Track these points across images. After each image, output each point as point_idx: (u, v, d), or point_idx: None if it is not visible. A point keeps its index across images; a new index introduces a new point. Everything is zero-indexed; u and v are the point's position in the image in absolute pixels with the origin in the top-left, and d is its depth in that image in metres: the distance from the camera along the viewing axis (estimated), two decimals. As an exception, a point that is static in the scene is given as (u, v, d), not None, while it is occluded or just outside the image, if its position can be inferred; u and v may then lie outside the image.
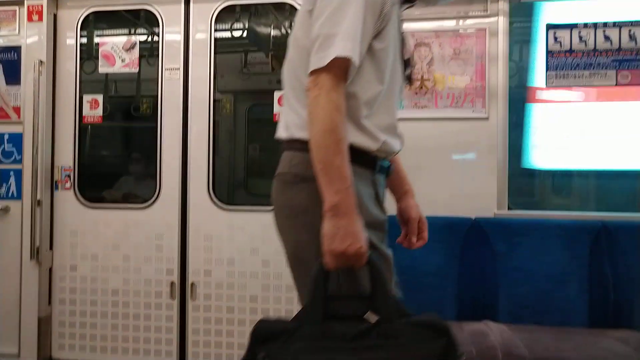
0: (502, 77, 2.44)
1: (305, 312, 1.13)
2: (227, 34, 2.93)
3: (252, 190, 3.02)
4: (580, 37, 2.37)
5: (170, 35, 2.80)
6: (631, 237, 2.11)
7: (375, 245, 1.20)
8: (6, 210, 2.80)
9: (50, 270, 2.87)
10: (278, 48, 3.19)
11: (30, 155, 2.73)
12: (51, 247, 2.86)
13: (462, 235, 2.25)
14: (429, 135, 2.50)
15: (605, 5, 2.44)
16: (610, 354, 1.71)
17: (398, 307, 1.13)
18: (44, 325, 2.83)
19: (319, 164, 1.13)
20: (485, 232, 2.20)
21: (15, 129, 2.79)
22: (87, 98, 2.85)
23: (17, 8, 2.83)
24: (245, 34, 3.02)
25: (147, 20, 2.96)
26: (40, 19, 2.79)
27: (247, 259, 2.69)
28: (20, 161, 2.78)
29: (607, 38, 2.34)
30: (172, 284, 2.76)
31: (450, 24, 2.53)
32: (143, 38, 2.96)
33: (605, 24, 2.34)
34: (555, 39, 2.41)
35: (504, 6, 2.44)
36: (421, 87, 2.49)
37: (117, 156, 3.45)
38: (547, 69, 2.41)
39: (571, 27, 2.38)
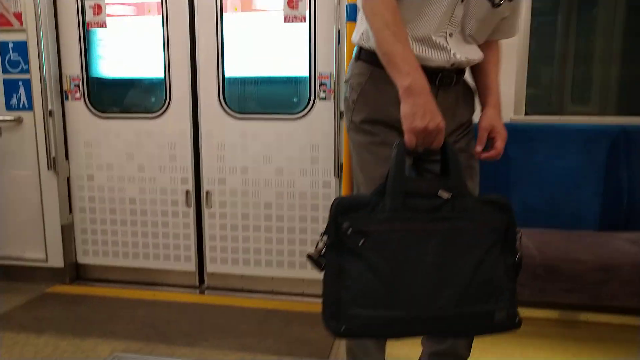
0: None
1: (386, 187, 1.22)
2: None
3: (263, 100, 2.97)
4: None
5: None
6: (651, 142, 2.08)
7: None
8: (19, 121, 2.80)
9: (68, 180, 2.93)
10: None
11: (37, 65, 2.69)
12: (67, 158, 2.90)
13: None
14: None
15: None
16: (619, 254, 1.73)
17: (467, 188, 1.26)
18: (67, 232, 2.94)
19: (384, 57, 1.27)
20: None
21: (18, 37, 2.71)
22: (89, 3, 2.74)
23: None
24: None
25: None
26: None
27: (261, 167, 2.71)
28: (27, 71, 2.74)
29: None
30: (187, 192, 2.81)
31: None
32: None
33: None
34: None
35: None
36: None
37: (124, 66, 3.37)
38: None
39: None
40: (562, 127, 2.16)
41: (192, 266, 2.90)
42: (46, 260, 2.95)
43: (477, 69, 1.48)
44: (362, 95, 1.41)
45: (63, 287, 2.92)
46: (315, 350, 2.14)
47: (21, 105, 2.78)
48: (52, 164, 2.81)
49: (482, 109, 1.47)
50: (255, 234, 2.78)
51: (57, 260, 2.95)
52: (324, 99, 2.57)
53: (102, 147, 2.87)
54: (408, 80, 1.21)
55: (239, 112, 2.71)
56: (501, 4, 1.33)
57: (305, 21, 2.56)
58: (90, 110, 2.83)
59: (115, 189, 2.89)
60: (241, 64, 2.77)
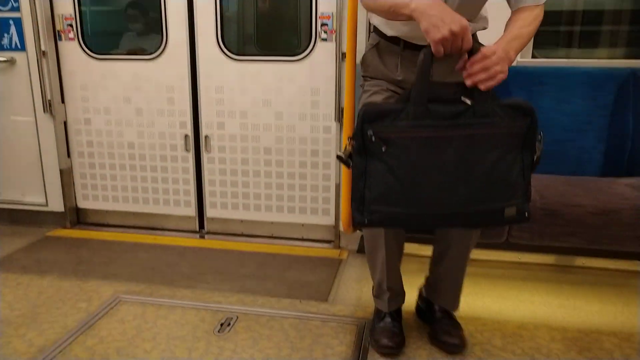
0: None
1: (410, 95, 1.29)
2: None
3: (261, 42, 2.88)
4: None
5: None
6: (660, 85, 2.03)
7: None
8: (12, 62, 2.73)
9: (65, 124, 2.89)
10: None
11: (27, 1, 2.59)
12: (63, 101, 2.85)
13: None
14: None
15: None
16: (620, 198, 1.73)
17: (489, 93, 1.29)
18: (66, 176, 2.93)
19: (389, 15, 1.43)
20: (506, 81, 2.11)
21: (6, -29, 2.61)
22: None
23: None
24: None
25: None
26: None
27: (260, 111, 2.66)
28: (17, 9, 2.64)
29: None
30: (186, 136, 2.78)
31: None
32: None
33: None
34: None
35: None
36: None
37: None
38: None
39: None
40: (569, 70, 2.11)
41: (192, 211, 2.90)
42: (46, 204, 2.96)
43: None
44: (368, 57, 1.67)
45: (64, 231, 2.94)
46: (314, 292, 2.18)
47: (13, 45, 2.70)
48: (47, 107, 2.76)
49: None
50: (254, 179, 2.77)
51: (57, 204, 2.96)
52: (325, 39, 2.49)
53: (99, 90, 2.81)
54: (412, 5, 1.28)
55: (238, 54, 2.64)
56: None
57: (306, -42, 2.45)
58: (85, 51, 2.75)
59: (113, 133, 2.86)
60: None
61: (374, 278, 1.74)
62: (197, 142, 2.79)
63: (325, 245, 2.73)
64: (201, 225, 2.93)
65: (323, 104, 2.58)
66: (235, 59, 2.62)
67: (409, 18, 1.31)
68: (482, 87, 1.26)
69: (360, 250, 2.57)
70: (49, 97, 2.75)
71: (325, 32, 2.47)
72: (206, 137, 2.76)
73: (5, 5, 2.64)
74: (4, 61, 2.72)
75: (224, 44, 2.61)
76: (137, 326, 1.86)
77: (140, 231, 2.94)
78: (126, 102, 2.79)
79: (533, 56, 2.26)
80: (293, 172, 2.71)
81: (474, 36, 1.54)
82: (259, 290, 2.20)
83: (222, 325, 1.87)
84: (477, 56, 1.27)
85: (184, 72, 2.69)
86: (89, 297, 2.08)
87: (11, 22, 2.67)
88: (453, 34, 1.21)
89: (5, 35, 2.69)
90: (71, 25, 2.71)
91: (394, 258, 1.66)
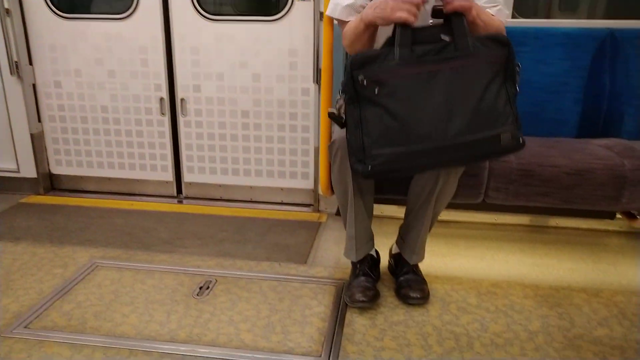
0: None
1: (394, 39, 1.38)
2: None
3: (238, 1, 2.79)
4: None
5: None
6: (637, 46, 2.02)
7: None
8: (-26, 20, 2.60)
9: (35, 87, 2.78)
10: None
11: (-12, -45, 2.46)
12: (30, 63, 2.74)
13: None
14: None
15: None
16: (593, 158, 1.74)
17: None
18: (37, 141, 2.85)
19: (357, 40, 1.53)
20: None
21: None
22: None
23: None
24: None
25: None
26: None
27: (237, 73, 2.60)
28: (-23, -37, 2.50)
29: None
30: (161, 99, 2.71)
31: None
32: None
33: None
34: None
35: None
36: None
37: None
38: None
39: None
40: (548, 31, 2.09)
41: (169, 176, 2.86)
42: (18, 170, 2.88)
43: None
44: None
45: (37, 197, 2.88)
46: (293, 255, 2.18)
47: (-27, 2, 2.57)
48: (15, 69, 2.65)
49: None
50: (232, 143, 2.73)
51: (29, 170, 2.88)
52: (302, -2, 2.42)
53: (68, 52, 2.70)
54: (361, 17, 1.47)
55: (213, 14, 2.55)
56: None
57: None
58: (51, 10, 2.63)
59: (85, 97, 2.77)
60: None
61: (346, 232, 1.79)
62: (173, 106, 2.72)
63: (305, 208, 2.73)
64: (179, 190, 2.90)
65: (301, 65, 2.53)
66: (210, 19, 2.54)
67: (368, 28, 1.46)
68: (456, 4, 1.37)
69: (339, 213, 2.58)
70: (15, 59, 2.63)
71: (302, -10, 2.40)
72: (182, 100, 2.69)
73: (-37, -41, 2.50)
74: (-35, 20, 2.59)
75: (198, 3, 2.52)
76: (114, 291, 1.84)
77: (117, 197, 2.90)
78: (98, 63, 2.70)
79: (513, 16, 2.24)
80: (271, 136, 2.68)
81: None
82: (238, 253, 2.20)
83: (200, 288, 1.87)
84: None
85: (157, 33, 2.59)
86: (64, 263, 2.05)
87: (-30, -24, 2.53)
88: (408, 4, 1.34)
89: (-36, -9, 2.55)
90: (35, -20, 2.59)
91: (362, 212, 1.71)
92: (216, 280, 1.92)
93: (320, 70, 2.38)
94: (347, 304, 1.75)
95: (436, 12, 1.42)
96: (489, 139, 1.41)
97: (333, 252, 2.23)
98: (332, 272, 1.99)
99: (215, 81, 2.63)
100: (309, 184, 2.72)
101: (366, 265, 1.82)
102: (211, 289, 1.86)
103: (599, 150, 1.82)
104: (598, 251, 2.27)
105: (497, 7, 1.56)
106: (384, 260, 2.00)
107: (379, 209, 2.60)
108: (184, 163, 2.82)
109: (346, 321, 1.67)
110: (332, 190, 1.81)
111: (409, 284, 1.78)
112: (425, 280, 1.84)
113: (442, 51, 1.37)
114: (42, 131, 2.87)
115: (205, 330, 1.62)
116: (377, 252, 1.92)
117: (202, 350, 1.52)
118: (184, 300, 1.79)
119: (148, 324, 1.65)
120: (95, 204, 2.77)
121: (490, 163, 1.76)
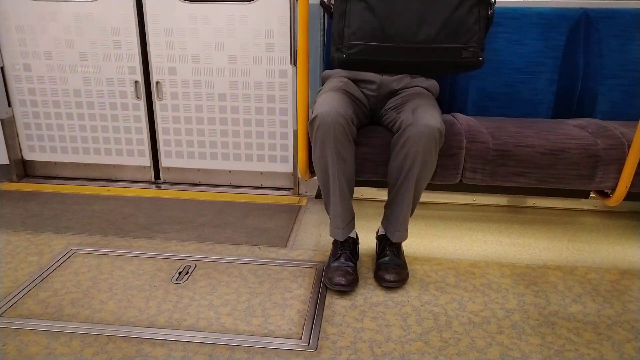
0: None
1: None
2: None
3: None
4: None
5: None
6: (610, 26, 2.05)
7: None
8: (-64, 2, 2.50)
9: (3, 70, 2.70)
10: None
11: None
12: (-2, 45, 2.66)
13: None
14: None
15: None
16: (567, 138, 1.77)
17: None
18: (8, 127, 2.77)
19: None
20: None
21: None
22: None
23: None
24: None
25: None
26: None
27: (213, 55, 2.55)
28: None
29: None
30: (136, 83, 2.65)
31: None
32: None
33: None
34: None
35: None
36: None
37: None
38: None
39: None
40: (523, 11, 2.09)
41: (146, 161, 2.82)
42: (-12, 159, 2.81)
43: None
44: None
45: (10, 184, 2.81)
46: (273, 239, 2.18)
47: None
48: (-19, 51, 2.57)
49: None
50: (210, 127, 2.69)
51: (0, 157, 2.80)
52: (278, -22, 2.38)
53: (37, 33, 2.62)
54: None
55: (187, -6, 2.50)
56: None
57: None
58: (18, -10, 2.55)
59: (56, 80, 2.70)
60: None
61: (329, 212, 1.79)
62: (148, 89, 2.67)
63: (285, 192, 2.72)
64: (157, 176, 2.86)
65: (278, 46, 2.49)
66: (184, -1, 2.49)
67: None
68: None
69: (319, 196, 2.58)
70: (-19, 41, 2.55)
71: (278, -31, 2.36)
72: (157, 83, 2.64)
73: None
74: None
75: (171, -17, 2.46)
76: (92, 277, 1.82)
77: (94, 183, 2.85)
78: (69, 45, 2.62)
79: (490, -3, 2.23)
80: (249, 119, 2.65)
81: None
82: (218, 238, 2.19)
83: (180, 273, 1.85)
84: None
85: (129, 13, 2.53)
86: (40, 251, 2.02)
87: None
88: None
89: None
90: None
91: (345, 189, 1.71)
92: (195, 265, 1.91)
93: (297, 51, 2.36)
94: (326, 287, 1.76)
95: None
96: (453, 49, 1.61)
97: (313, 235, 2.23)
98: (312, 255, 2.00)
99: (191, 63, 2.58)
100: (288, 168, 2.71)
101: (347, 246, 1.83)
102: (190, 274, 1.85)
103: (573, 130, 1.85)
104: (573, 230, 2.32)
105: None
106: (365, 243, 2.01)
107: (359, 191, 2.61)
108: (161, 148, 2.78)
109: (326, 303, 1.68)
110: (311, 173, 1.80)
111: (386, 266, 1.79)
112: (405, 264, 1.84)
113: None
114: (13, 116, 2.79)
115: (184, 315, 1.61)
116: (356, 233, 1.93)
117: (182, 335, 1.51)
118: (163, 285, 1.78)
119: (127, 310, 1.64)
120: (71, 191, 2.72)
121: (466, 144, 1.77)
